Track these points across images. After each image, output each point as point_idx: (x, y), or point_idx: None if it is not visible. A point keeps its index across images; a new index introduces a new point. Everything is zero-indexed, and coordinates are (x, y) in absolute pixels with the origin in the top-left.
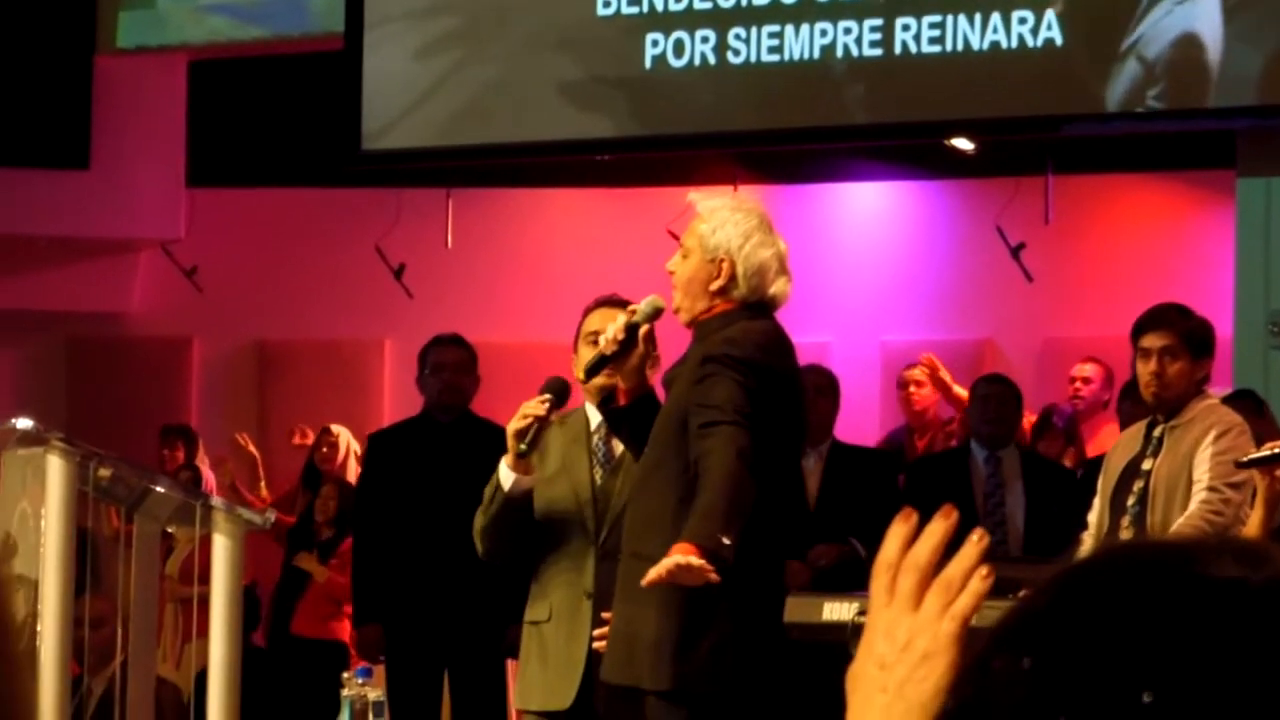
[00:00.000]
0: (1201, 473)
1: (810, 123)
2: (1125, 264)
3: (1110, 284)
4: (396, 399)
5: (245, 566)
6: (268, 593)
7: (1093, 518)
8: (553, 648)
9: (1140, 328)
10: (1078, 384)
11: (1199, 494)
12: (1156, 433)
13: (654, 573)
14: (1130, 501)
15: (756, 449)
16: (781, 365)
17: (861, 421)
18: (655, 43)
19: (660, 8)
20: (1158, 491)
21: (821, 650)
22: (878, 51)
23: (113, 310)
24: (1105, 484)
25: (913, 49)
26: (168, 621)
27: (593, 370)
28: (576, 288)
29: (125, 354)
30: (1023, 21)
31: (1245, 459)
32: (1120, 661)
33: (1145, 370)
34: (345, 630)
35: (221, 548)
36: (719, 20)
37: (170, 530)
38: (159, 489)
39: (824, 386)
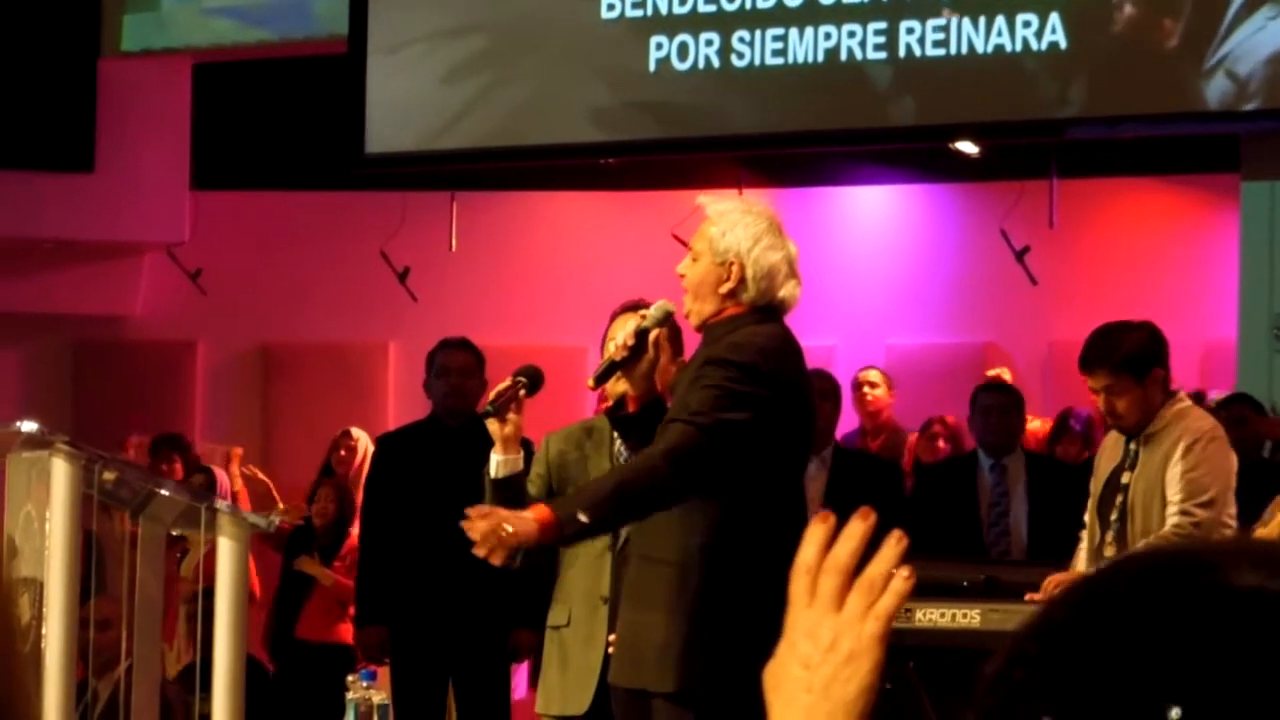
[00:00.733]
0: (1173, 493)
1: (814, 126)
2: (1129, 267)
3: (1114, 287)
4: (401, 402)
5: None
6: (266, 598)
7: (1086, 518)
8: (571, 653)
9: (1080, 366)
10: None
11: (1171, 516)
12: (1132, 446)
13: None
14: (1113, 516)
15: (758, 454)
16: (788, 371)
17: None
18: (659, 46)
19: (664, 11)
20: (1135, 507)
21: None
22: (882, 55)
23: (117, 313)
24: (1095, 488)
25: (917, 52)
26: (181, 624)
27: (602, 377)
28: (580, 291)
29: (130, 357)
30: (1027, 25)
31: None
32: (1143, 674)
33: (1100, 406)
34: (349, 632)
35: (226, 550)
36: (723, 23)
37: (177, 533)
38: (164, 492)
39: (826, 391)
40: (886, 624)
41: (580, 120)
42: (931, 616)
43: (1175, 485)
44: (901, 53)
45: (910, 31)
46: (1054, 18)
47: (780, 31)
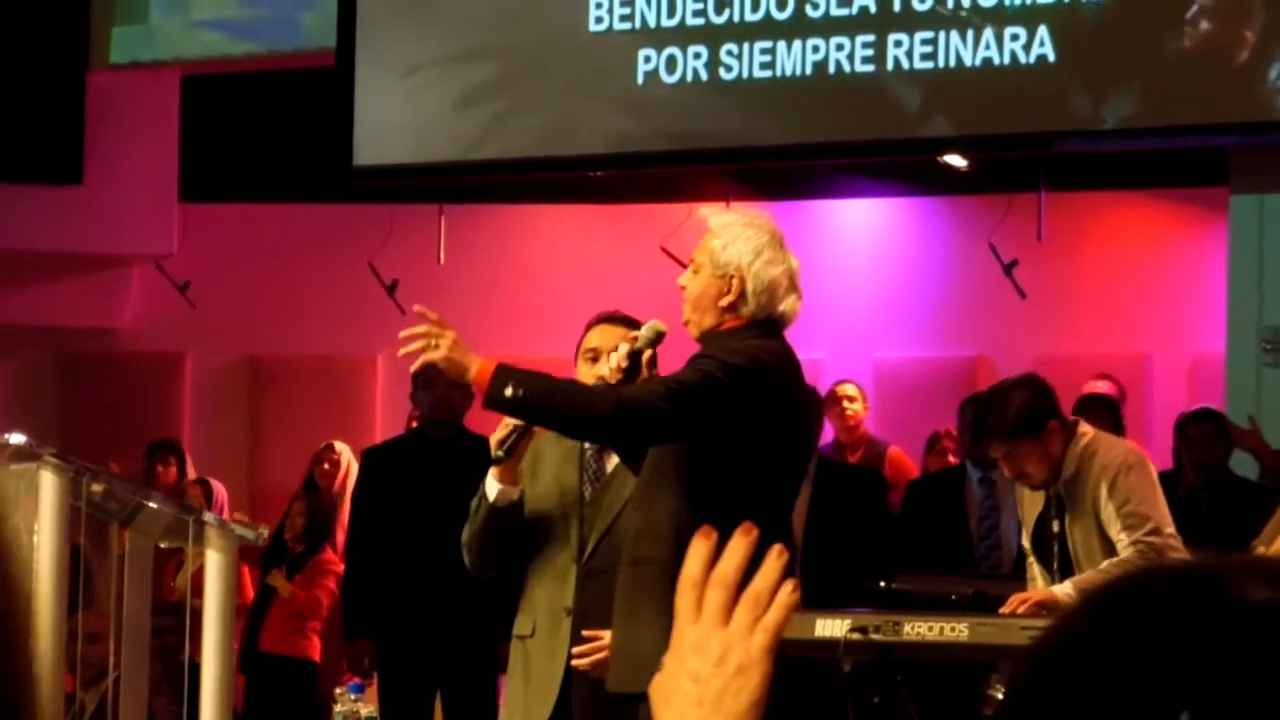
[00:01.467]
0: (1116, 531)
1: (803, 139)
2: (1118, 281)
3: (1103, 301)
4: (389, 415)
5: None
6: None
7: (1027, 545)
8: (534, 664)
9: (974, 441)
10: None
11: (1125, 548)
12: (1051, 493)
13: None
14: (1055, 565)
15: (749, 464)
16: (785, 383)
17: None
18: (648, 59)
19: (653, 24)
20: (1080, 558)
21: (814, 665)
22: (870, 68)
23: (105, 325)
24: (1027, 527)
25: (905, 65)
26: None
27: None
28: (569, 304)
29: (118, 369)
30: (1015, 38)
31: None
32: (1157, 687)
33: (1007, 474)
34: (313, 647)
35: (214, 563)
36: (711, 36)
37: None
38: (152, 505)
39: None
40: (775, 636)
41: (568, 133)
42: (920, 630)
43: (1115, 525)
44: (889, 66)
45: (898, 44)
46: (1042, 30)
47: (768, 44)
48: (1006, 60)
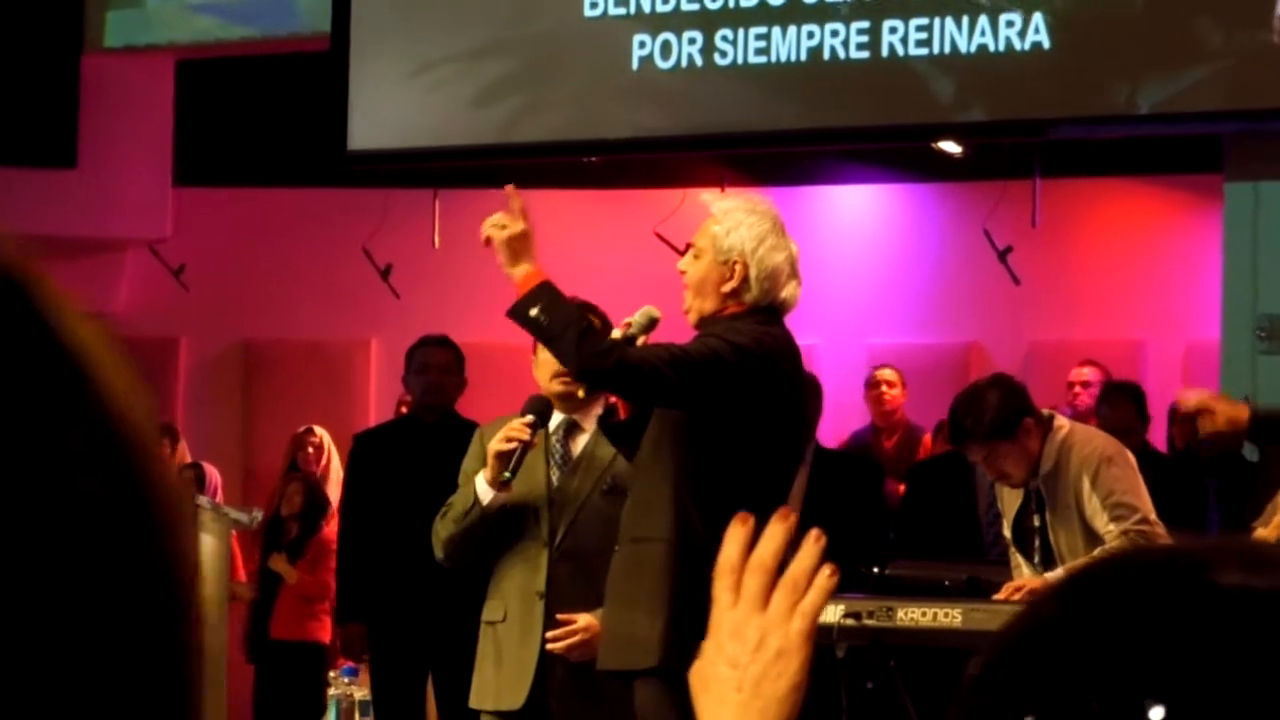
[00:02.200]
0: (1102, 524)
1: (797, 125)
2: (1112, 268)
3: (1097, 288)
4: (382, 399)
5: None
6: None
7: (1008, 535)
8: (506, 648)
9: (952, 444)
10: (1076, 388)
11: (1115, 538)
12: (1030, 487)
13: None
14: (1036, 559)
15: (748, 446)
16: (786, 368)
17: (847, 425)
18: (642, 44)
19: (647, 9)
20: (1062, 551)
21: None
22: (864, 54)
23: (99, 309)
24: (1007, 519)
25: (900, 51)
26: None
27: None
28: (563, 289)
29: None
30: (1010, 24)
31: None
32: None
33: (988, 475)
34: (323, 630)
35: (207, 547)
36: (706, 22)
37: None
38: None
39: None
40: (813, 621)
41: (563, 118)
42: (914, 616)
43: (1102, 517)
44: (884, 52)
45: (893, 31)
46: (1037, 18)
47: (763, 30)
48: (1002, 47)
